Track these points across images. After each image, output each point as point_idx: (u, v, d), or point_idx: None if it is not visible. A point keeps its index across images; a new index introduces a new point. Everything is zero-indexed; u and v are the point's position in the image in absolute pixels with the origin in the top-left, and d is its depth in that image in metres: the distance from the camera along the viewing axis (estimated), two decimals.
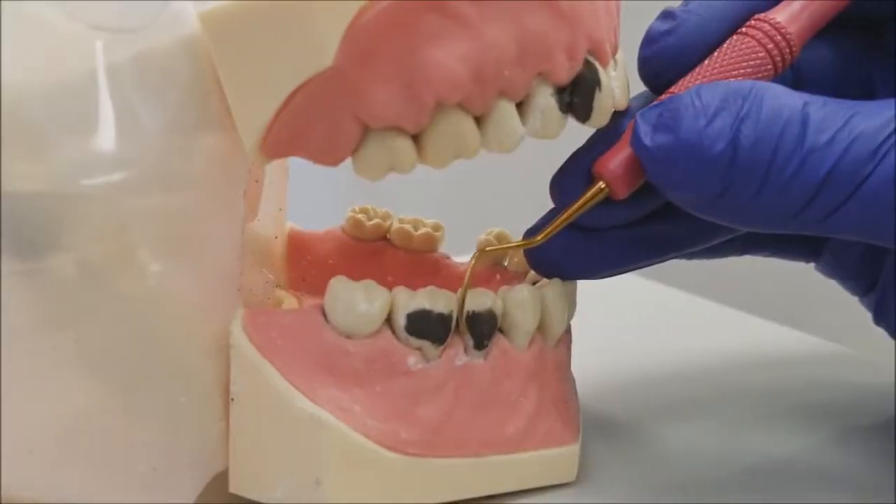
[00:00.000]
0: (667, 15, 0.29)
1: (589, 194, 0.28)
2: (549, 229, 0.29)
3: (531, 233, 0.31)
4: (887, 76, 0.31)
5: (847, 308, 0.37)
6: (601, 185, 0.28)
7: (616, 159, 0.28)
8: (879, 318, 0.35)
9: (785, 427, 0.34)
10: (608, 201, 0.28)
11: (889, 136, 0.25)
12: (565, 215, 0.29)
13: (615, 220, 0.30)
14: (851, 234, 0.26)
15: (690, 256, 0.34)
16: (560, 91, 0.27)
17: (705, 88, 0.27)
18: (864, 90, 0.32)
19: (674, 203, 0.28)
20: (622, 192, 0.28)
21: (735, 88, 0.26)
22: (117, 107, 0.25)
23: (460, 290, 0.28)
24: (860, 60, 0.32)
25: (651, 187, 0.28)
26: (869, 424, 0.35)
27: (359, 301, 0.27)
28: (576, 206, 0.28)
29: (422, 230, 0.36)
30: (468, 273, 0.28)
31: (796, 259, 0.36)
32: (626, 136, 0.28)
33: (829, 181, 0.25)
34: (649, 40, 0.29)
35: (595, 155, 0.29)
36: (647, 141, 0.27)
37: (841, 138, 0.25)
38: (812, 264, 0.37)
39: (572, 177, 0.29)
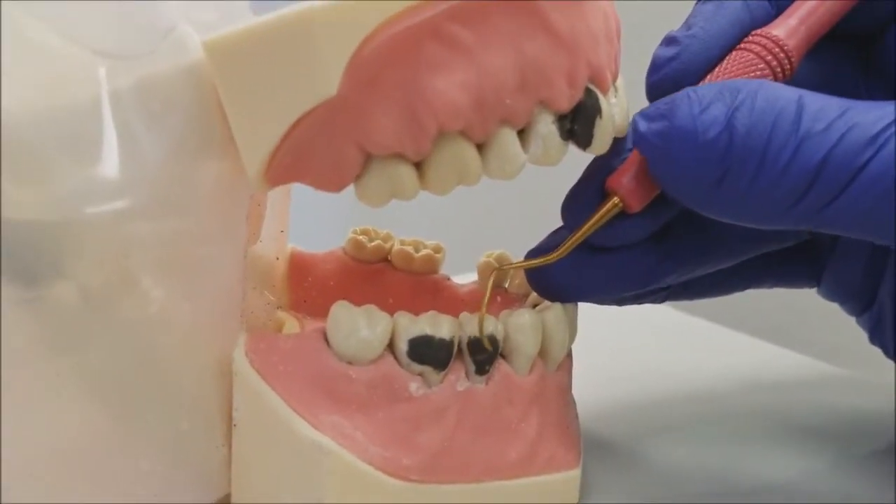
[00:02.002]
0: (670, 40, 0.29)
1: (604, 209, 0.29)
2: (565, 246, 0.29)
3: (533, 254, 0.31)
4: (874, 90, 0.32)
5: (851, 330, 0.37)
6: (615, 199, 0.28)
7: (629, 173, 0.28)
8: (874, 337, 0.35)
9: (786, 451, 0.34)
10: (622, 216, 0.29)
11: (888, 126, 0.25)
12: (581, 232, 0.29)
13: (629, 236, 0.30)
14: (849, 228, 0.26)
15: (694, 296, 0.34)
16: (561, 118, 0.27)
17: (702, 86, 0.27)
18: None
19: (675, 207, 0.28)
20: (636, 206, 0.29)
21: (731, 83, 0.27)
22: (119, 133, 0.25)
23: (464, 317, 0.28)
24: (847, 75, 0.32)
25: (661, 201, 0.28)
26: (871, 450, 0.35)
27: (360, 327, 0.27)
28: (591, 221, 0.29)
29: (423, 252, 0.36)
30: (486, 298, 0.28)
31: (798, 285, 0.36)
32: (637, 152, 0.28)
33: (825, 168, 0.25)
34: (654, 67, 0.29)
35: (607, 173, 0.29)
36: (642, 129, 0.27)
37: (837, 126, 0.25)
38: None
39: (585, 196, 0.30)
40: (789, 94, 0.26)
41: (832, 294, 0.36)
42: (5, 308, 0.24)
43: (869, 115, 0.25)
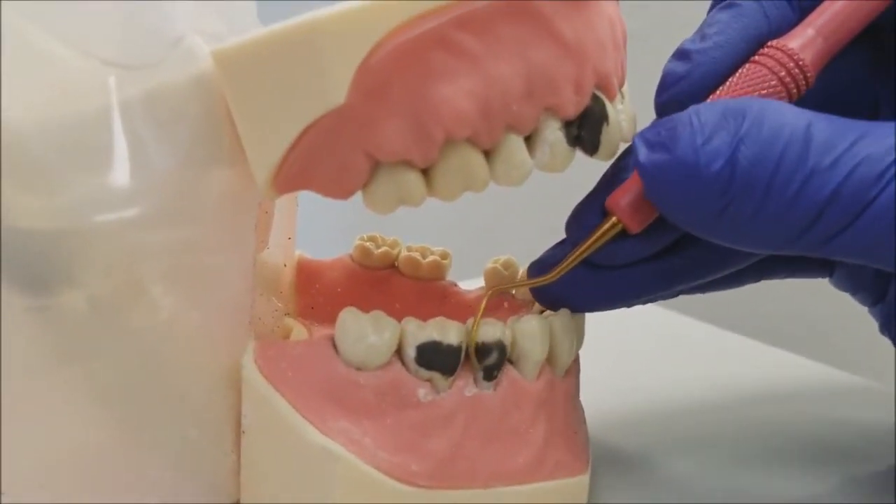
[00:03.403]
0: (682, 54, 0.29)
1: (602, 230, 0.28)
2: (562, 266, 0.29)
3: (536, 266, 0.31)
4: (889, 94, 0.31)
5: (858, 336, 0.37)
6: (614, 220, 0.28)
7: (628, 194, 0.28)
8: (885, 328, 0.35)
9: (797, 463, 0.34)
10: (623, 235, 0.28)
11: None
12: (578, 251, 0.29)
13: (630, 256, 0.29)
14: (855, 258, 0.26)
15: (705, 289, 0.34)
16: (568, 125, 0.27)
17: (705, 107, 0.26)
18: (868, 108, 0.32)
19: (678, 229, 0.28)
20: (635, 227, 0.28)
21: (735, 106, 0.26)
22: (129, 142, 0.25)
23: (471, 323, 0.28)
24: (863, 78, 0.32)
25: (664, 221, 0.28)
26: (880, 462, 0.34)
27: (368, 333, 0.27)
28: (589, 241, 0.29)
29: (429, 258, 0.36)
30: (480, 310, 0.28)
31: (811, 276, 0.36)
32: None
33: (833, 204, 0.25)
34: (664, 86, 0.29)
35: (611, 191, 0.29)
36: (642, 158, 0.26)
37: (846, 161, 0.25)
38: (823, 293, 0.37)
39: (590, 213, 0.29)
40: (797, 120, 0.25)
41: (844, 285, 0.36)
42: (15, 316, 0.25)
43: (879, 146, 0.25)
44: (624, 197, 0.28)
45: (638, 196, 0.28)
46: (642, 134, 0.27)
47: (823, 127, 0.25)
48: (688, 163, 0.25)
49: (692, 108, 0.26)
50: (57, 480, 0.26)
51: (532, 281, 0.30)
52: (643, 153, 0.26)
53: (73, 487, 0.26)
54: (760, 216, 0.25)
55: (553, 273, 0.29)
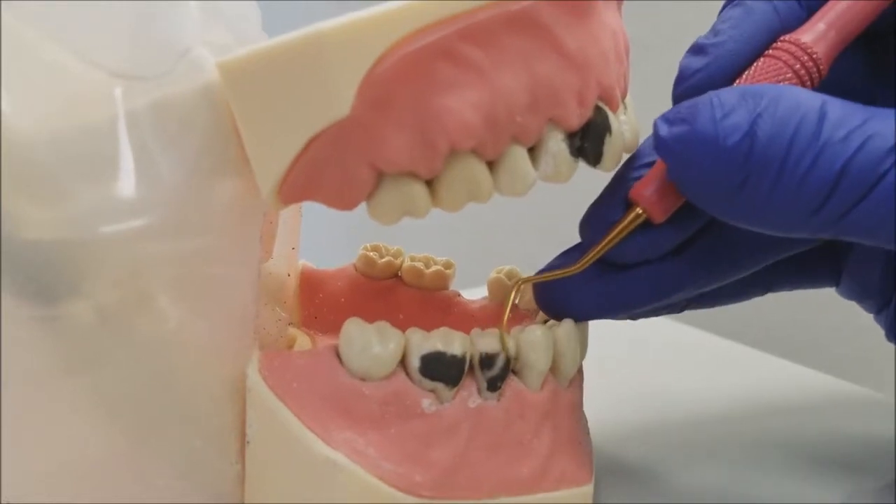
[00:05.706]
0: (697, 49, 0.29)
1: (627, 220, 0.29)
2: (587, 257, 0.29)
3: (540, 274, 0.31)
4: (888, 94, 0.32)
5: (868, 346, 0.37)
6: (638, 210, 0.29)
7: (652, 184, 0.28)
8: (891, 334, 0.35)
9: (799, 472, 0.34)
10: (645, 229, 0.29)
11: None
12: (603, 243, 0.29)
13: (650, 251, 0.30)
14: (870, 237, 0.26)
15: (713, 303, 0.34)
16: (571, 136, 0.27)
17: (724, 90, 0.27)
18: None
19: (697, 221, 0.27)
20: (659, 217, 0.29)
21: (753, 89, 0.27)
22: (136, 153, 0.25)
23: (475, 333, 0.28)
24: (861, 78, 0.32)
25: (685, 213, 0.28)
26: (886, 475, 0.34)
27: (373, 343, 0.27)
28: (614, 232, 0.29)
29: (433, 268, 0.36)
30: (506, 312, 0.29)
31: (818, 286, 0.36)
32: (661, 162, 0.28)
33: (845, 177, 0.25)
34: (681, 78, 0.29)
35: (629, 186, 0.29)
36: (663, 133, 0.27)
37: (857, 135, 0.25)
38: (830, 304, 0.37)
39: (608, 210, 0.30)
40: (812, 101, 0.26)
41: (851, 293, 0.36)
42: (22, 326, 0.25)
43: (889, 124, 0.25)
44: (647, 187, 0.29)
45: (661, 184, 0.28)
46: (663, 115, 0.28)
47: (837, 106, 0.26)
48: (707, 135, 0.26)
49: (711, 92, 0.27)
50: (62, 490, 0.26)
51: (554, 273, 0.30)
52: (664, 129, 0.27)
53: (79, 495, 0.26)
54: (777, 190, 0.26)
55: (578, 264, 0.29)
